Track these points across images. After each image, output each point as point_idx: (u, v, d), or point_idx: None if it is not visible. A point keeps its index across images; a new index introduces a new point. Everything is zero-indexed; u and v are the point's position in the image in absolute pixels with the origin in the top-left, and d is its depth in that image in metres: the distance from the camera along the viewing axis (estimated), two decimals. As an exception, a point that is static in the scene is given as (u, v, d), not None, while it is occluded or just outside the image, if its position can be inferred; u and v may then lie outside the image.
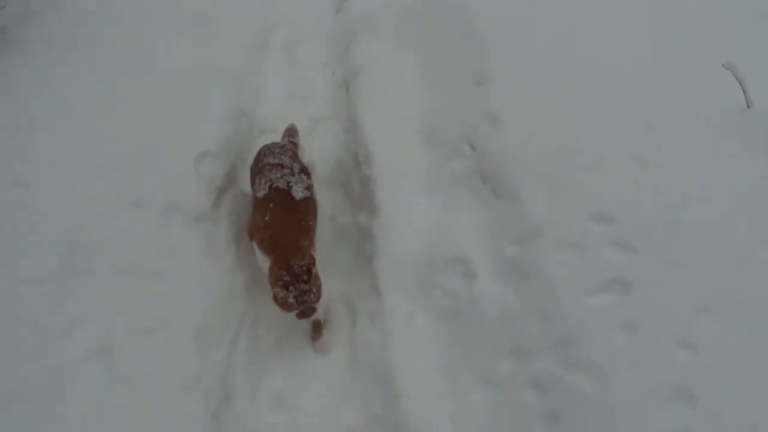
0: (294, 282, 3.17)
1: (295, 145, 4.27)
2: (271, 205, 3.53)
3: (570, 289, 3.09)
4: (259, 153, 3.91)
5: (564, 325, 3.02)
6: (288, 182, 3.62)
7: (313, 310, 3.31)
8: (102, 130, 3.85)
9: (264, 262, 3.36)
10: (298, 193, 3.60)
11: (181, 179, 3.80)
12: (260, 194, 3.62)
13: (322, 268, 3.39)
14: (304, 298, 3.20)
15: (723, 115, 3.54)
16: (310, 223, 3.60)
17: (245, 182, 3.92)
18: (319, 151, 4.33)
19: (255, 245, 3.44)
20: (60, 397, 2.94)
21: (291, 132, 4.36)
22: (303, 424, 3.26)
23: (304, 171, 3.84)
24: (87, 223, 3.44)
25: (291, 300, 3.18)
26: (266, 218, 3.47)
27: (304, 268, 3.20)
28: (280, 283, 3.16)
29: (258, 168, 3.77)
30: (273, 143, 3.97)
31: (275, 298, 3.19)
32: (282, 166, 3.72)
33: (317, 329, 3.64)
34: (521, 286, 3.21)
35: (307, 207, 3.64)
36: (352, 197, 4.02)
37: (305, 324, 3.57)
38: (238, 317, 3.57)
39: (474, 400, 3.06)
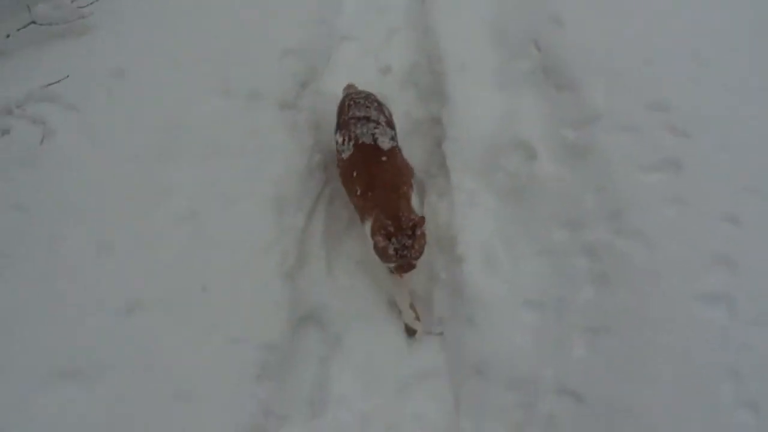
0: (398, 234, 3.05)
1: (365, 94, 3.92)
2: (359, 168, 3.44)
3: (624, 167, 3.27)
4: (342, 103, 3.78)
5: (617, 198, 3.20)
6: (374, 135, 3.48)
7: (412, 267, 3.20)
8: (195, 28, 4.20)
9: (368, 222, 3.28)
10: (385, 143, 3.48)
11: (266, 72, 4.04)
12: (345, 155, 3.51)
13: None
14: (405, 252, 3.08)
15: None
16: (405, 174, 3.48)
17: (324, 82, 4.19)
18: (395, 58, 4.52)
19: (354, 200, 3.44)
20: (153, 252, 3.24)
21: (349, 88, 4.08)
22: (372, 285, 3.55)
23: (390, 123, 3.72)
24: (180, 108, 3.76)
25: (391, 251, 3.07)
26: (355, 174, 3.42)
27: (411, 223, 3.07)
28: (383, 232, 3.06)
29: (345, 122, 3.63)
30: (353, 94, 3.83)
31: (375, 247, 3.14)
32: (368, 119, 3.59)
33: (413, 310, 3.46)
34: (578, 166, 3.40)
35: (395, 156, 3.52)
36: (424, 94, 4.22)
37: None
38: (316, 192, 3.80)
39: (529, 265, 3.26)
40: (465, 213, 3.51)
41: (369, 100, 3.73)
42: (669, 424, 2.68)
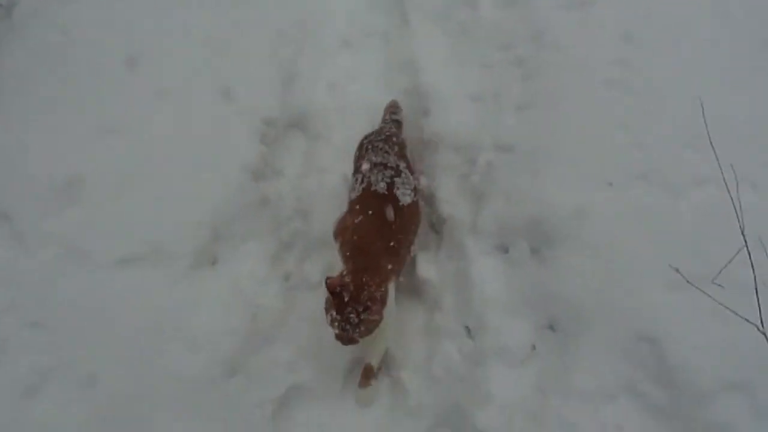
0: (351, 303, 2.71)
1: (399, 124, 3.81)
2: (366, 211, 3.12)
3: (545, 7, 4.09)
4: (361, 144, 3.53)
5: (539, 26, 4.00)
6: (388, 185, 3.18)
7: (353, 342, 2.81)
8: None
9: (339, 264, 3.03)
10: (406, 197, 3.20)
11: None
12: (353, 196, 3.25)
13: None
14: (347, 327, 2.72)
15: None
16: (408, 238, 3.21)
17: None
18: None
19: (337, 246, 3.15)
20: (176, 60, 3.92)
21: (393, 109, 3.94)
22: (351, 104, 4.21)
23: (411, 168, 3.45)
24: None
25: (334, 316, 2.74)
26: (356, 220, 3.12)
27: (369, 300, 2.73)
28: (339, 289, 2.73)
29: (359, 164, 3.38)
30: (378, 131, 3.60)
31: (326, 302, 2.79)
32: (385, 166, 3.28)
33: (366, 375, 3.08)
34: (513, 10, 4.20)
35: (409, 216, 3.22)
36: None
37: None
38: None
39: (472, 74, 4.02)
40: (422, 45, 4.28)
41: (389, 143, 3.45)
42: (579, 160, 3.39)
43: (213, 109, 3.73)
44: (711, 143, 2.50)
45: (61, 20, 4.06)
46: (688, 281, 2.48)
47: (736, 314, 2.34)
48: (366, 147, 3.43)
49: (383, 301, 2.81)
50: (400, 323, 3.23)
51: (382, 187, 3.16)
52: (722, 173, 2.53)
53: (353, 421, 3.06)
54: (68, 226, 3.23)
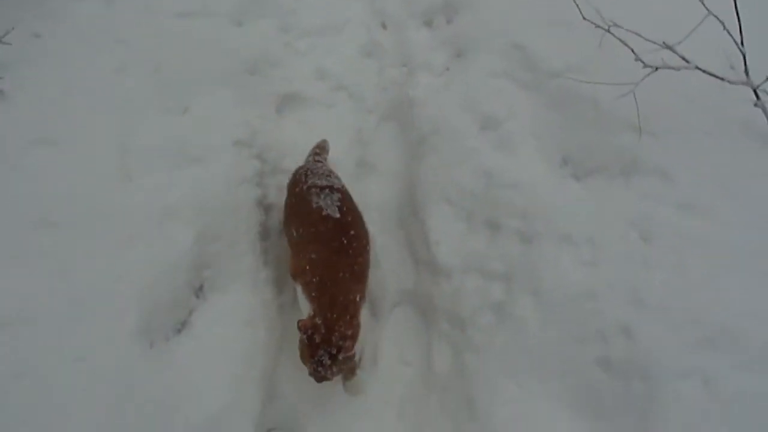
0: (323, 346, 2.68)
1: (323, 165, 3.55)
2: (319, 241, 2.97)
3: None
4: (296, 174, 3.34)
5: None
6: (339, 208, 3.05)
7: (327, 380, 2.79)
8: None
9: (306, 305, 2.85)
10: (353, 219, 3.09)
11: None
12: (301, 231, 3.07)
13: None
14: (320, 369, 2.71)
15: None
16: (365, 260, 3.04)
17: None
18: None
19: (299, 287, 2.94)
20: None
21: (320, 149, 3.73)
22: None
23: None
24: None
25: (309, 359, 2.73)
26: (312, 257, 2.93)
27: (341, 340, 2.70)
28: (311, 331, 2.70)
29: (302, 192, 3.17)
30: (309, 165, 3.45)
31: (300, 343, 2.76)
32: (332, 188, 3.15)
33: (351, 369, 3.04)
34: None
35: (361, 237, 3.07)
36: None
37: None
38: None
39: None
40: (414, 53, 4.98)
41: (326, 170, 3.39)
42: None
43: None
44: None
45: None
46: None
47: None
48: (306, 174, 3.30)
49: (355, 336, 2.77)
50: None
51: (333, 211, 3.04)
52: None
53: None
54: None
